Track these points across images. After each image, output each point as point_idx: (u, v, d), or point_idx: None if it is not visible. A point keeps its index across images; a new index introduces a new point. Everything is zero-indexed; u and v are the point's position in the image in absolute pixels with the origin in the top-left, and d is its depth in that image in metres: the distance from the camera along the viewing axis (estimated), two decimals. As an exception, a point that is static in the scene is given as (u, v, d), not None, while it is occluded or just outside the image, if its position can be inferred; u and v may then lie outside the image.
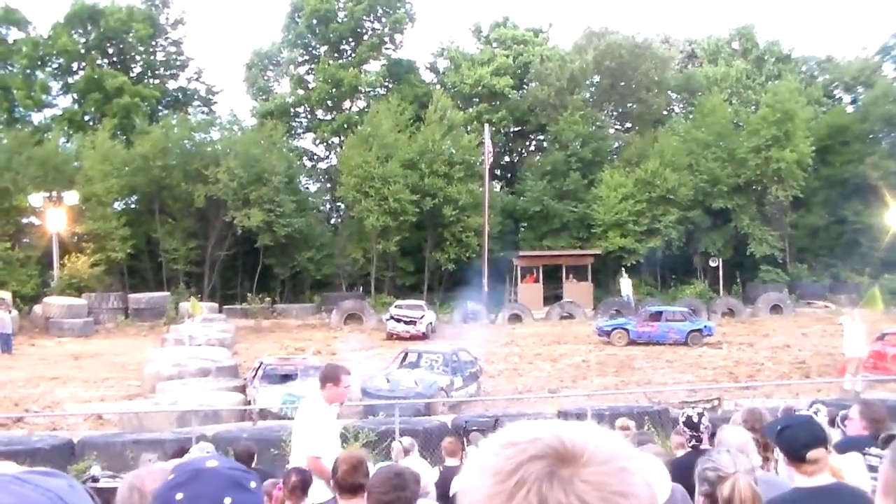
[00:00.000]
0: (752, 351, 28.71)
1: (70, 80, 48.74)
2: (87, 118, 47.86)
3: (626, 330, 31.30)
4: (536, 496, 0.99)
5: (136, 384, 23.52)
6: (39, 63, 47.75)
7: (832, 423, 7.98)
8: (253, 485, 1.80)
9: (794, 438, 3.92)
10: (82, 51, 47.81)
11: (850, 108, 52.35)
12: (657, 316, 31.95)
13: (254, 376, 20.82)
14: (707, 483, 3.34)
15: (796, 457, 3.87)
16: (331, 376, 7.17)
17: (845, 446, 5.51)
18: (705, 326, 31.63)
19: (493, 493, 1.01)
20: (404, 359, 22.98)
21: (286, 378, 20.58)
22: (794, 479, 3.91)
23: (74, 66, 48.43)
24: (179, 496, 1.71)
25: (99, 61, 48.19)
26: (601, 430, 1.09)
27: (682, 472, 5.14)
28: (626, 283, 40.88)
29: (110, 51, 49.34)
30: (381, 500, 3.88)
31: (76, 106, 48.68)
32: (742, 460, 3.37)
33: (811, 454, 3.82)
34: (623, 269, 42.51)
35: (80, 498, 1.25)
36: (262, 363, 21.67)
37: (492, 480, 1.02)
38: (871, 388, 20.35)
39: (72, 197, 38.48)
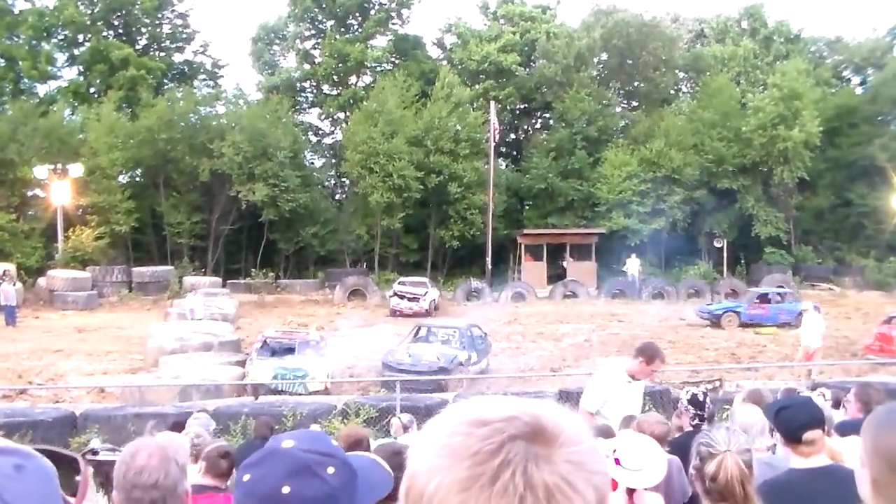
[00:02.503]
0: (753, 332, 28.70)
1: (76, 52, 48.56)
2: (92, 90, 47.73)
3: (738, 313, 30.91)
4: (522, 477, 0.96)
5: (139, 358, 23.60)
6: (45, 34, 47.54)
7: (837, 405, 7.98)
8: (330, 470, 1.67)
9: (791, 419, 3.91)
10: (88, 22, 47.57)
11: (858, 90, 52.14)
12: (765, 298, 31.73)
13: (254, 349, 20.95)
14: (699, 458, 3.33)
15: (793, 438, 3.86)
16: (648, 353, 7.12)
17: (844, 429, 5.50)
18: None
19: (472, 476, 0.97)
20: (416, 333, 23.22)
21: (284, 351, 20.66)
22: (791, 461, 3.91)
23: (80, 37, 48.22)
24: (246, 477, 1.65)
25: (105, 33, 48.02)
26: (564, 409, 1.07)
27: (682, 451, 5.13)
28: (633, 263, 40.81)
29: (116, 22, 49.13)
30: None
31: (81, 78, 48.53)
32: (739, 438, 3.35)
33: (807, 435, 3.81)
34: (627, 251, 42.51)
35: (25, 482, 1.15)
36: (263, 336, 21.77)
37: (469, 462, 0.98)
38: (874, 371, 20.37)
39: (76, 169, 38.44)
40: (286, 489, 1.62)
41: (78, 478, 1.59)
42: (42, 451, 1.52)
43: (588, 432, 1.06)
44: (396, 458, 3.97)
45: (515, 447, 0.98)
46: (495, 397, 1.08)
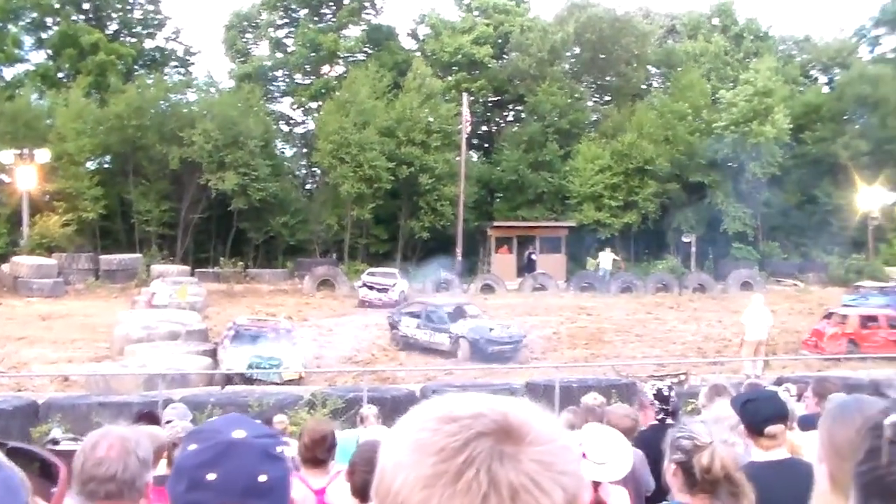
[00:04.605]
0: (721, 327, 28.93)
1: (44, 36, 47.98)
2: (60, 75, 47.14)
3: None
4: (486, 475, 0.95)
5: (104, 346, 23.42)
6: (12, 16, 46.80)
7: (800, 398, 8.08)
8: (280, 449, 1.73)
9: (755, 412, 3.95)
10: (57, 5, 47.03)
11: (825, 89, 52.79)
12: None
13: (225, 337, 20.83)
14: (681, 452, 3.29)
15: (756, 430, 3.90)
16: None
17: (806, 423, 5.57)
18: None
19: (436, 473, 0.96)
20: (456, 310, 25.47)
21: (256, 339, 20.55)
22: (752, 453, 3.94)
23: (48, 20, 47.66)
24: (211, 476, 1.62)
25: (74, 17, 47.49)
26: (536, 407, 1.06)
27: (647, 444, 5.17)
28: (605, 257, 40.95)
29: (85, 6, 48.57)
30: (367, 480, 3.86)
31: (50, 62, 47.95)
32: (714, 430, 3.34)
33: (770, 429, 3.85)
34: (597, 244, 42.67)
35: None
36: (234, 324, 21.66)
37: (434, 458, 0.97)
38: (835, 366, 20.64)
39: (43, 155, 37.93)
40: (263, 477, 1.65)
41: (54, 490, 1.56)
42: (22, 453, 1.48)
43: (560, 431, 1.05)
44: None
45: (481, 445, 0.97)
46: (467, 394, 1.07)
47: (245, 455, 1.66)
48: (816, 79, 55.51)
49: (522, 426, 1.00)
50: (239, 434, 1.69)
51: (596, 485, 4.12)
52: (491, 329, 23.81)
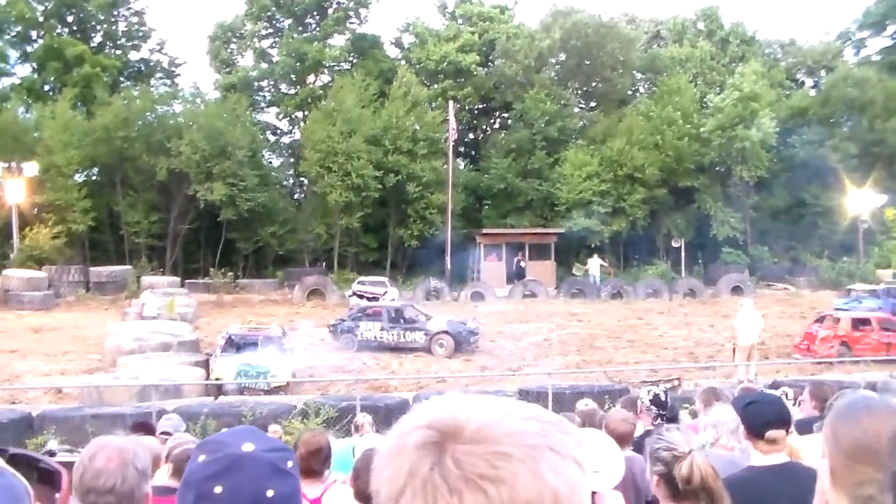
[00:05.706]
0: (712, 332, 28.98)
1: (28, 49, 47.90)
2: (46, 88, 47.10)
3: None
4: (408, 463, 1.01)
5: (96, 358, 23.35)
6: (-4, 30, 46.86)
7: (796, 402, 8.11)
8: (290, 464, 1.73)
9: (757, 414, 3.94)
10: (41, 18, 46.97)
11: (812, 92, 53.00)
12: None
13: (218, 346, 20.81)
14: (661, 463, 3.32)
15: (756, 434, 3.90)
16: None
17: (803, 427, 5.59)
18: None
19: (398, 474, 1.03)
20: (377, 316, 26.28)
21: (247, 347, 20.52)
22: (751, 457, 3.95)
23: (33, 34, 47.58)
24: (218, 489, 1.62)
25: (58, 30, 47.40)
26: (508, 410, 1.05)
27: (643, 450, 5.17)
28: (594, 263, 41.00)
29: (69, 19, 48.50)
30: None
31: (35, 75, 47.87)
32: (692, 438, 3.38)
33: (770, 433, 3.85)
34: (586, 251, 42.74)
35: None
36: (227, 333, 21.64)
37: (400, 460, 1.04)
38: (829, 369, 20.70)
39: (31, 168, 37.90)
40: (270, 492, 1.65)
41: (58, 495, 1.56)
42: (21, 460, 1.49)
43: (514, 440, 1.02)
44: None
45: (413, 436, 1.03)
46: (441, 397, 1.11)
47: (253, 469, 1.66)
48: (803, 82, 55.74)
49: (458, 424, 1.02)
50: (248, 447, 1.69)
51: (592, 494, 4.11)
52: (464, 322, 26.23)
